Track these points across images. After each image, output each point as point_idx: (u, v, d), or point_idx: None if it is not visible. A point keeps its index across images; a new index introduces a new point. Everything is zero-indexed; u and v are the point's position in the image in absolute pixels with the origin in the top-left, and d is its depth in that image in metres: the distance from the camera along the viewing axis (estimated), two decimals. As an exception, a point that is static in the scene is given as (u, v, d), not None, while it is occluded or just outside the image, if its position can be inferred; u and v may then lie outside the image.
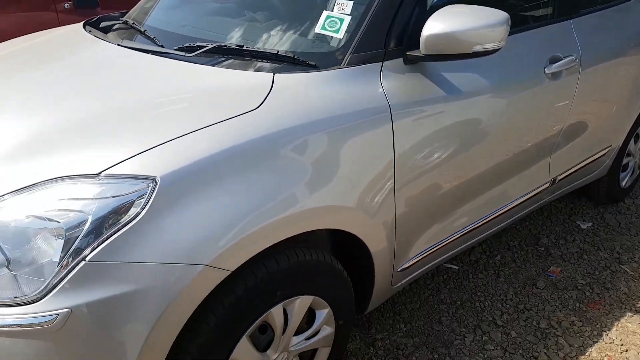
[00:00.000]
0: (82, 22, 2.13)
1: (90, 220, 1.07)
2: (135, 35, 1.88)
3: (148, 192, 1.10)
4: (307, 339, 1.53)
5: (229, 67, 1.51)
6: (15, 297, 1.08)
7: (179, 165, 1.15)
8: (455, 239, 1.94)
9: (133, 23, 1.93)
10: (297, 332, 1.50)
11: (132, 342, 1.12)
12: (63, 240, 1.07)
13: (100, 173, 1.12)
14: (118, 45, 1.74)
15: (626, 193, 3.14)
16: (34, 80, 1.61)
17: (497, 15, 1.50)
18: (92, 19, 2.20)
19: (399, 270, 1.75)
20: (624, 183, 3.04)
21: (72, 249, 1.06)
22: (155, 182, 1.12)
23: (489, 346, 2.02)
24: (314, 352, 1.62)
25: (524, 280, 2.42)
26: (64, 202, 1.09)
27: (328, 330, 1.58)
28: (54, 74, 1.65)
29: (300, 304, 1.44)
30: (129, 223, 1.09)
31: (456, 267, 2.48)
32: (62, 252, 1.06)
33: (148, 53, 1.64)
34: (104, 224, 1.08)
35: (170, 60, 1.57)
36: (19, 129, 1.32)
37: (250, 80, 1.43)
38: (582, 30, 2.20)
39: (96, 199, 1.09)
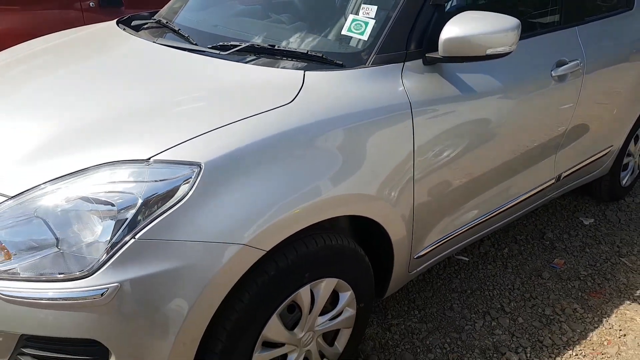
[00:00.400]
0: (115, 20, 2.25)
1: (140, 202, 1.18)
2: (168, 33, 2.00)
3: (193, 177, 1.22)
4: (331, 319, 1.65)
5: (261, 64, 1.63)
6: (61, 273, 1.18)
7: (222, 152, 1.27)
8: (466, 230, 2.06)
9: (166, 22, 2.05)
10: (322, 313, 1.62)
11: (175, 316, 1.22)
12: (115, 220, 1.18)
13: (150, 159, 1.23)
14: (154, 42, 1.86)
15: (626, 191, 3.26)
16: (83, 73, 1.74)
17: (509, 21, 1.62)
18: (124, 17, 2.31)
19: (415, 257, 1.87)
20: (624, 182, 3.16)
21: (122, 228, 1.17)
22: (200, 167, 1.23)
23: (497, 331, 2.14)
24: (336, 333, 1.74)
25: (530, 271, 2.54)
26: (116, 185, 1.20)
27: (350, 312, 1.70)
28: (100, 67, 1.77)
29: (326, 286, 1.56)
30: (175, 205, 1.20)
31: (466, 259, 2.60)
32: (113, 230, 1.17)
33: (184, 50, 1.75)
34: (153, 205, 1.19)
35: (207, 57, 1.68)
36: (72, 117, 1.43)
37: (283, 77, 1.55)
38: (586, 36, 2.32)
39: (146, 182, 1.20)
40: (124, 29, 2.08)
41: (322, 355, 1.69)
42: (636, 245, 2.81)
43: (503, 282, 2.45)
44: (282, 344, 1.51)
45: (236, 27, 2.00)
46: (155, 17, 2.25)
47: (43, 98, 1.58)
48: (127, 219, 1.17)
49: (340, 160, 1.46)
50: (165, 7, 2.38)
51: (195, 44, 1.81)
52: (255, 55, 1.68)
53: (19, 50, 2.11)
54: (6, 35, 3.09)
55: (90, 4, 3.39)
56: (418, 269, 1.97)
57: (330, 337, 1.72)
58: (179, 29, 1.92)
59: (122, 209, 1.17)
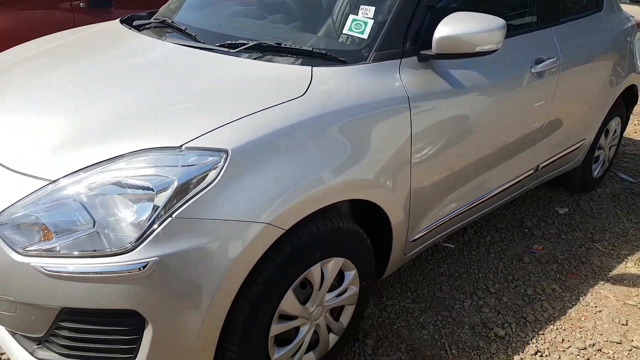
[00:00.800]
0: (119, 20, 2.34)
1: (175, 184, 1.30)
2: (174, 32, 2.10)
3: (221, 162, 1.34)
4: (337, 296, 1.78)
5: (269, 61, 1.75)
6: (101, 250, 1.29)
7: (246, 140, 1.39)
8: (455, 216, 2.22)
9: (171, 22, 2.15)
10: (330, 290, 1.75)
11: (207, 288, 1.34)
12: (153, 201, 1.29)
13: (182, 146, 1.35)
14: (164, 41, 1.97)
15: (597, 183, 3.49)
16: (103, 69, 1.83)
17: (496, 21, 1.78)
18: (126, 17, 2.40)
19: (410, 241, 2.02)
20: (595, 173, 3.39)
21: (160, 208, 1.28)
22: (227, 154, 1.35)
23: (484, 309, 2.31)
24: (341, 309, 1.87)
25: (512, 256, 2.72)
26: (153, 169, 1.31)
27: (354, 290, 1.84)
28: (118, 64, 1.87)
29: (334, 265, 1.69)
30: (206, 187, 1.32)
31: (452, 246, 2.77)
32: (151, 211, 1.28)
33: (194, 49, 1.86)
34: (186, 188, 1.31)
35: (217, 55, 1.80)
36: (102, 109, 1.53)
37: (292, 72, 1.67)
38: (561, 36, 2.52)
39: (179, 167, 1.32)
40: (130, 28, 2.18)
41: (329, 330, 1.82)
42: (607, 232, 3.03)
43: (487, 266, 2.62)
44: (296, 317, 1.64)
45: (239, 26, 2.12)
46: (156, 17, 2.34)
47: (71, 91, 1.68)
48: (164, 200, 1.28)
49: (349, 148, 1.59)
50: (165, 7, 2.49)
51: (203, 43, 1.92)
52: (262, 53, 1.81)
53: (31, 47, 2.19)
54: (-2, 35, 3.14)
55: (81, 4, 3.44)
56: (413, 252, 2.12)
57: (336, 312, 1.85)
58: (186, 28, 2.03)
59: (159, 191, 1.28)
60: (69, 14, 3.39)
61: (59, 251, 1.28)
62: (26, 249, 1.27)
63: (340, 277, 1.78)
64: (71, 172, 1.32)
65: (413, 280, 2.47)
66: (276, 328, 1.57)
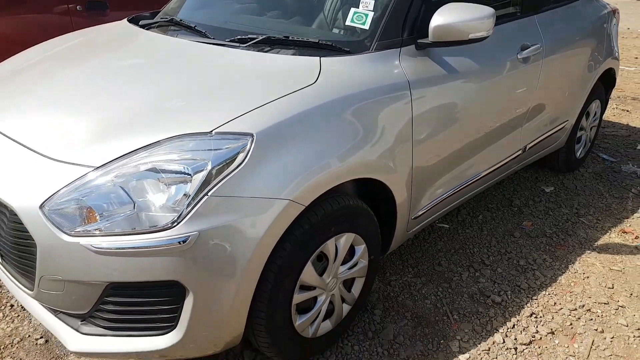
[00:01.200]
0: (127, 19, 2.45)
1: (209, 166, 1.43)
2: (182, 30, 2.22)
3: (248, 144, 1.48)
4: (349, 268, 1.93)
5: (279, 53, 1.89)
6: (133, 228, 1.41)
7: (269, 124, 1.53)
8: (452, 194, 2.38)
9: (180, 20, 2.27)
10: (343, 263, 1.90)
11: (240, 259, 1.47)
12: (190, 182, 1.42)
13: (212, 131, 1.48)
14: (176, 38, 2.09)
15: (580, 163, 3.69)
16: (128, 64, 1.95)
17: (486, 10, 1.94)
18: (132, 17, 2.52)
19: (412, 218, 2.18)
20: (578, 154, 3.58)
21: (197, 188, 1.41)
22: (253, 137, 1.49)
23: (481, 279, 2.48)
24: (352, 281, 2.02)
25: (503, 232, 2.90)
26: (188, 153, 1.44)
27: (363, 263, 1.99)
28: (141, 59, 1.99)
29: (346, 239, 1.84)
30: (236, 168, 1.45)
31: (447, 226, 2.94)
32: (190, 190, 1.41)
33: (207, 44, 1.99)
34: (219, 169, 1.44)
35: (230, 49, 1.93)
36: (135, 100, 1.66)
37: (303, 63, 1.81)
38: (543, 24, 2.69)
39: (212, 150, 1.45)
40: (142, 27, 2.29)
41: (342, 300, 1.97)
42: (592, 207, 3.22)
43: (481, 242, 2.79)
44: (314, 287, 1.78)
45: (244, 22, 2.25)
46: (163, 16, 2.46)
47: (101, 85, 1.80)
48: (200, 180, 1.41)
49: (359, 130, 1.74)
50: (168, 6, 2.61)
51: (213, 38, 2.05)
52: (271, 46, 1.94)
53: (51, 46, 2.30)
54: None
55: (77, 7, 3.52)
56: (414, 229, 2.28)
57: (348, 284, 2.00)
58: (195, 26, 2.15)
59: (196, 173, 1.41)
60: (66, 18, 3.47)
61: (104, 231, 1.40)
62: (74, 230, 1.40)
63: (351, 251, 1.93)
64: (112, 159, 1.44)
65: (413, 257, 2.63)
66: (298, 297, 1.72)
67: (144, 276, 1.41)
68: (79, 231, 1.39)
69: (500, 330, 2.18)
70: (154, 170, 1.42)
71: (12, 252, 1.53)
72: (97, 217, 1.41)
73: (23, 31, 3.38)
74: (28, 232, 1.42)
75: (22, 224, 1.43)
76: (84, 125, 1.58)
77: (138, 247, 1.38)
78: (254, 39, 1.95)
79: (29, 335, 2.04)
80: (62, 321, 1.58)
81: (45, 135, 1.59)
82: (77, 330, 1.54)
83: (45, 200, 1.41)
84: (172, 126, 1.52)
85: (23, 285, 1.58)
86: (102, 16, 3.58)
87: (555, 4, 2.88)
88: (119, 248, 1.38)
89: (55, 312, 1.60)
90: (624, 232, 2.96)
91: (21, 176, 1.49)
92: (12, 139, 1.60)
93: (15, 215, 1.44)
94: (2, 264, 1.67)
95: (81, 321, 1.55)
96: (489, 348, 2.09)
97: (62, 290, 1.47)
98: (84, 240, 1.38)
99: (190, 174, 1.42)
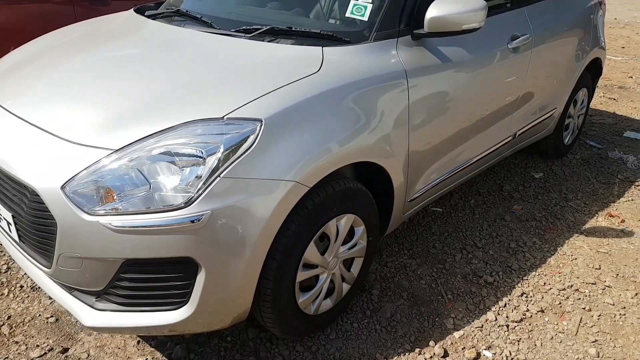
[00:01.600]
0: (133, 9, 2.52)
1: (221, 149, 1.51)
2: (189, 20, 2.30)
3: (257, 129, 1.56)
4: (349, 249, 2.03)
5: (283, 43, 1.97)
6: (148, 207, 1.49)
7: (276, 110, 1.61)
8: (445, 178, 2.48)
9: (186, 11, 2.34)
10: (343, 243, 1.99)
11: (250, 236, 1.56)
12: (203, 165, 1.50)
13: (224, 117, 1.57)
14: (183, 27, 2.16)
15: (568, 149, 3.81)
16: (137, 53, 2.03)
17: (478, 2, 2.02)
18: (138, 7, 2.58)
19: (408, 201, 2.28)
20: (566, 140, 3.70)
21: (210, 170, 1.50)
22: (262, 122, 1.57)
23: (473, 261, 2.59)
24: (352, 261, 2.12)
25: (494, 216, 3.01)
26: (201, 137, 1.52)
27: (362, 244, 2.09)
28: (150, 48, 2.06)
29: (346, 220, 1.94)
30: (246, 151, 1.54)
31: (440, 210, 3.04)
32: (203, 172, 1.50)
33: (213, 34, 2.07)
34: (230, 152, 1.52)
35: (235, 39, 2.01)
36: (148, 87, 1.74)
37: (305, 52, 1.89)
38: (532, 15, 2.79)
39: (223, 134, 1.53)
40: (150, 18, 2.37)
41: (342, 279, 2.07)
42: (579, 192, 3.34)
43: (473, 226, 2.90)
44: (316, 266, 1.88)
45: (247, 13, 2.33)
46: (167, 7, 2.53)
47: (115, 72, 1.89)
48: (213, 163, 1.49)
49: (359, 116, 1.83)
50: (171, -3, 2.67)
51: (219, 28, 2.13)
52: (275, 36, 2.02)
53: (61, 35, 2.38)
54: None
55: (80, -3, 3.57)
56: (409, 212, 2.38)
57: (347, 264, 2.10)
58: (201, 17, 2.22)
59: (209, 155, 1.50)
60: (69, 7, 3.51)
61: (121, 211, 1.48)
62: (93, 209, 1.48)
63: (351, 232, 2.03)
64: (129, 143, 1.52)
65: (408, 240, 2.73)
66: (301, 275, 1.81)
67: (158, 253, 1.49)
68: (98, 210, 1.48)
69: (492, 309, 2.29)
70: (169, 153, 1.50)
71: (31, 231, 1.61)
72: (115, 197, 1.49)
73: (27, 21, 3.41)
74: (49, 211, 1.50)
75: (44, 204, 1.50)
76: (102, 110, 1.66)
77: (153, 226, 1.46)
78: (258, 29, 2.03)
79: (40, 315, 2.12)
80: (77, 298, 1.66)
81: (65, 120, 1.66)
82: (92, 307, 1.62)
83: (67, 181, 1.48)
84: (186, 112, 1.60)
85: (40, 264, 1.66)
86: (104, 6, 3.62)
87: (542, -4, 2.97)
88: (136, 226, 1.46)
89: (70, 290, 1.68)
90: (611, 215, 3.09)
91: (42, 159, 1.56)
92: (31, 124, 1.68)
93: (37, 195, 1.52)
94: (19, 245, 1.75)
95: (96, 298, 1.63)
96: (482, 325, 2.20)
97: (80, 267, 1.55)
98: (103, 219, 1.46)
99: (203, 157, 1.50)
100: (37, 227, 1.58)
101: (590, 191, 3.36)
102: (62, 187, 1.49)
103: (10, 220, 1.67)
